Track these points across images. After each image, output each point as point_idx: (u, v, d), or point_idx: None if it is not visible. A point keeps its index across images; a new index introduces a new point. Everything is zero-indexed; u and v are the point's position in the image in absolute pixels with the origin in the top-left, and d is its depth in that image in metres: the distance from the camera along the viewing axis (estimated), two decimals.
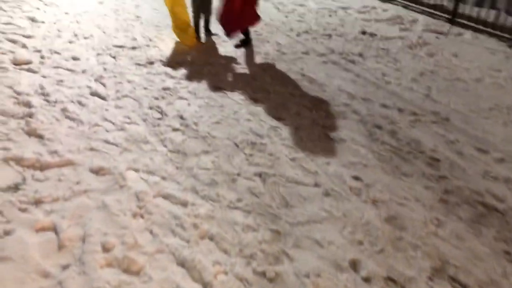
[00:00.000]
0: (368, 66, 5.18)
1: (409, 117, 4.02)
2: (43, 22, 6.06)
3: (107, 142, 3.38)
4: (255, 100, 4.20)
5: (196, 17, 5.75)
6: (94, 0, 7.26)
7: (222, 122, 3.78)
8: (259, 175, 3.09)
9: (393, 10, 7.68)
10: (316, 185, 3.01)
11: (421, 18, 7.27)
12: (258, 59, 5.22)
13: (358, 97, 4.36)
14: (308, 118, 3.92)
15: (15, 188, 2.78)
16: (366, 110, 4.10)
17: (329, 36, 6.22)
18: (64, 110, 3.79)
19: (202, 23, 5.74)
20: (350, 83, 4.70)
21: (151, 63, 4.95)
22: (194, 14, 5.74)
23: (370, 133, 3.73)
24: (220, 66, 4.96)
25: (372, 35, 6.33)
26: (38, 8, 6.64)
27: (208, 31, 5.96)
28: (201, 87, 4.42)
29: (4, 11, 6.39)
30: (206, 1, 5.74)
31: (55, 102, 3.94)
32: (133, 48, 5.34)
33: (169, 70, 4.78)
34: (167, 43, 5.55)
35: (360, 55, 5.54)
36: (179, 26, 5.41)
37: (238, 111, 3.99)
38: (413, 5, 7.82)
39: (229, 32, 5.34)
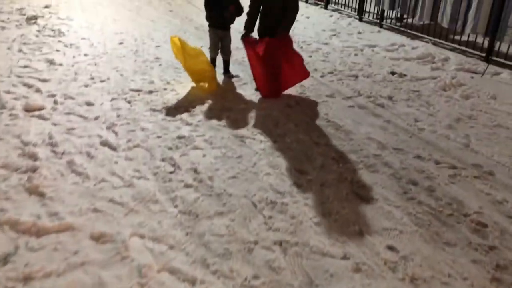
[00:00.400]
0: (398, 111, 4.81)
1: (448, 171, 3.60)
2: (61, 64, 5.95)
3: (112, 201, 3.07)
4: (276, 150, 3.87)
5: (213, 54, 5.62)
6: (115, 41, 7.17)
7: (239, 176, 3.45)
8: (279, 243, 2.71)
9: (422, 48, 7.34)
10: (345, 257, 2.62)
11: (453, 56, 6.89)
12: (280, 103, 4.91)
13: (389, 147, 3.98)
14: (335, 172, 3.55)
15: (5, 260, 2.48)
16: (399, 163, 3.71)
17: (356, 77, 5.90)
18: (70, 163, 3.53)
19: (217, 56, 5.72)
20: (379, 130, 4.33)
21: (167, 108, 4.69)
22: (211, 51, 5.59)
23: (405, 190, 3.32)
24: (239, 112, 4.67)
25: (402, 75, 5.98)
26: (57, 50, 6.57)
27: (227, 73, 5.73)
28: (218, 135, 4.12)
29: (24, 53, 6.33)
30: (225, 41, 5.56)
31: (63, 153, 3.69)
32: (150, 92, 5.12)
33: (185, 116, 4.52)
34: (185, 86, 5.32)
35: (390, 98, 5.18)
36: (196, 78, 5.18)
37: (257, 162, 3.66)
38: (444, 42, 7.46)
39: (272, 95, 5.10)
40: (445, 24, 7.33)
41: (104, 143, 3.90)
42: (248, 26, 5.15)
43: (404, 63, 6.65)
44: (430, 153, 3.88)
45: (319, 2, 10.97)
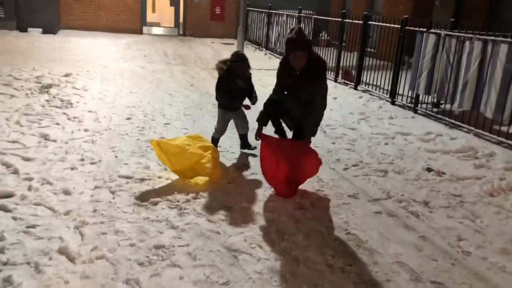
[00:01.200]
0: (437, 223, 3.89)
1: None
2: (54, 140, 5.38)
3: None
4: (276, 274, 2.99)
5: (217, 134, 5.23)
6: (123, 116, 6.65)
7: None
8: None
9: (463, 139, 6.47)
10: None
11: (499, 151, 5.98)
12: (291, 204, 4.08)
13: (426, 280, 3.04)
14: None
15: None
16: None
17: (385, 172, 5.05)
18: (7, 280, 2.75)
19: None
20: (413, 251, 3.40)
21: (155, 203, 3.94)
22: (216, 131, 5.23)
23: None
24: (240, 213, 3.86)
25: (440, 173, 5.09)
26: (58, 124, 6.06)
27: (246, 147, 5.29)
28: (207, 246, 3.29)
29: (20, 126, 5.83)
30: (238, 119, 5.08)
31: (5, 264, 2.92)
32: (141, 180, 4.41)
33: (173, 214, 3.74)
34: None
35: (426, 204, 4.28)
36: (191, 175, 4.44)
37: None
38: (488, 134, 6.58)
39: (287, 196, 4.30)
40: (488, 114, 6.51)
41: (63, 251, 3.12)
42: (263, 118, 4.56)
43: (441, 157, 5.77)
44: None
45: (348, 82, 10.40)
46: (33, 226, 3.43)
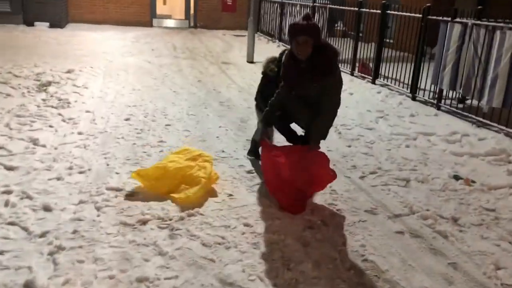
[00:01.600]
0: (469, 246, 3.34)
1: None
2: (44, 145, 4.95)
3: None
4: None
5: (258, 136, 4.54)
6: (122, 116, 6.20)
7: None
8: None
9: (492, 140, 5.86)
10: None
11: None
12: (299, 223, 3.57)
13: None
14: None
15: None
16: None
17: (407, 181, 4.50)
18: None
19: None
20: (442, 285, 2.88)
21: (144, 222, 3.46)
22: (256, 134, 4.64)
23: None
24: (239, 234, 3.37)
25: (469, 182, 4.51)
26: (51, 126, 5.63)
27: (256, 156, 4.68)
28: (198, 280, 2.81)
29: (10, 129, 5.42)
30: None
31: None
32: (132, 193, 3.93)
33: (163, 236, 3.27)
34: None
35: (455, 221, 3.73)
36: (181, 190, 3.96)
37: None
38: None
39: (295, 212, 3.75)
40: None
41: (29, 285, 2.67)
42: (267, 119, 3.99)
43: (470, 161, 5.19)
44: None
45: (365, 76, 9.77)
46: (1, 253, 2.98)
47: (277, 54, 4.33)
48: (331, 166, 4.43)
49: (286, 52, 3.76)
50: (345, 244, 3.30)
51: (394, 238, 3.42)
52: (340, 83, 3.73)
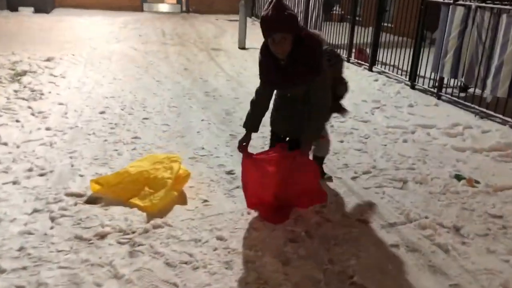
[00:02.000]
0: (473, 263, 2.92)
1: None
2: (5, 144, 4.52)
3: None
4: None
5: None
6: (97, 109, 5.75)
7: None
8: None
9: (497, 132, 5.42)
10: None
11: None
12: (280, 235, 3.14)
13: None
14: None
15: None
16: None
17: (404, 182, 4.06)
18: None
19: None
20: None
21: (103, 236, 3.03)
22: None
23: None
24: (210, 250, 2.93)
25: (473, 183, 4.08)
26: (17, 121, 5.18)
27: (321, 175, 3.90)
28: None
29: None
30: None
31: None
32: (94, 200, 3.49)
33: (121, 255, 2.84)
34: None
35: (457, 230, 3.30)
36: (144, 195, 3.51)
37: None
38: None
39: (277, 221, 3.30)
40: None
41: None
42: (249, 122, 3.34)
43: (472, 157, 4.75)
44: None
45: (362, 62, 9.27)
46: None
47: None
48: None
49: (261, 46, 3.09)
50: (332, 262, 2.87)
51: (388, 253, 2.99)
52: (326, 75, 3.20)
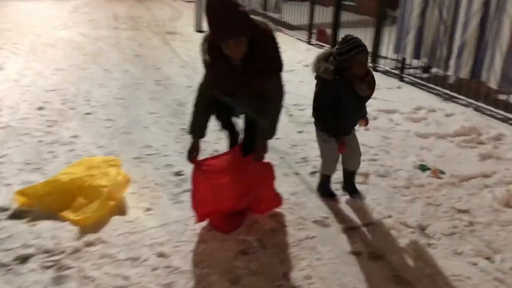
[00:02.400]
0: (440, 268, 2.67)
1: None
2: None
3: None
4: None
5: (330, 170, 3.35)
6: (35, 104, 5.25)
7: None
8: None
9: (461, 116, 5.24)
10: None
11: (508, 131, 4.80)
12: (230, 247, 2.81)
13: None
14: None
15: None
16: None
17: (365, 176, 3.79)
18: None
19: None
20: None
21: (25, 259, 2.63)
22: (328, 168, 3.33)
23: None
24: (148, 271, 2.57)
25: (438, 173, 3.85)
26: None
27: (354, 192, 3.42)
28: None
29: None
30: (352, 145, 3.21)
31: None
32: (21, 215, 3.06)
33: (43, 283, 2.46)
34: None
35: (422, 230, 3.07)
36: (75, 207, 3.11)
37: None
38: (492, 108, 5.34)
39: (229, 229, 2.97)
40: (493, 84, 5.24)
41: None
42: (196, 128, 2.90)
43: (437, 144, 4.54)
44: None
45: (323, 44, 8.96)
46: None
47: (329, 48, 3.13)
48: (278, 159, 3.73)
49: (208, 44, 2.64)
50: (286, 276, 2.57)
51: (348, 262, 2.71)
52: (280, 72, 2.83)
